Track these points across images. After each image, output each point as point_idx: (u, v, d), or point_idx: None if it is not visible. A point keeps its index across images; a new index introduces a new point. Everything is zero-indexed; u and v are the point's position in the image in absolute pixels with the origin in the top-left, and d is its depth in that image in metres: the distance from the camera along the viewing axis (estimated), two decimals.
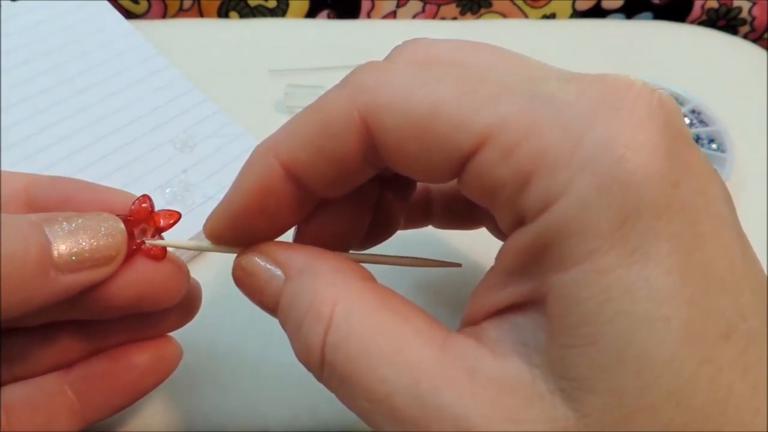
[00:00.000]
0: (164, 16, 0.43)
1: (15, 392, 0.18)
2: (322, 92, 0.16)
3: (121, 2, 0.41)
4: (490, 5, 0.46)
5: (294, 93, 0.36)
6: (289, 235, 0.18)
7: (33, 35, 0.34)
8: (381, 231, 0.20)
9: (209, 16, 0.43)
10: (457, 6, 0.46)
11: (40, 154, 0.29)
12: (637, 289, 0.11)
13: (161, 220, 0.19)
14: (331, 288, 0.15)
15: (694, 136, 0.35)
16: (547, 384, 0.12)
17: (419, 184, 0.22)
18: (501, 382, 0.13)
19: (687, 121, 0.36)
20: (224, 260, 0.29)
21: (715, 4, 0.46)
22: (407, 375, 0.13)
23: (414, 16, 0.46)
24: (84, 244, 0.16)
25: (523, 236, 0.13)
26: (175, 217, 0.19)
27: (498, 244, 0.15)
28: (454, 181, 0.15)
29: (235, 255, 0.18)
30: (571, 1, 0.46)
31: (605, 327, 0.12)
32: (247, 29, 0.40)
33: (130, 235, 0.18)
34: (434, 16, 0.46)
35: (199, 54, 0.38)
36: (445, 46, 0.16)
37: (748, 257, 0.13)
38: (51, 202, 0.19)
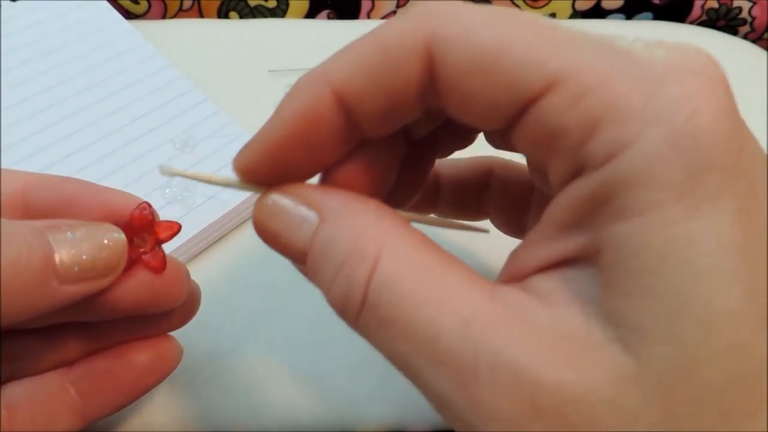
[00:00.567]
0: (164, 16, 0.43)
1: (17, 391, 0.18)
2: None
3: (121, 2, 0.41)
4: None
5: None
6: None
7: (33, 35, 0.34)
8: (399, 197, 0.20)
9: (209, 16, 0.43)
10: None
11: (40, 154, 0.29)
12: (703, 241, 0.12)
13: (162, 232, 0.19)
14: (375, 228, 0.14)
15: None
16: (605, 333, 0.12)
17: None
18: (556, 329, 0.13)
19: None
20: (224, 260, 0.29)
21: (715, 4, 0.46)
22: (456, 317, 0.13)
23: None
24: (86, 255, 0.16)
25: (582, 186, 0.13)
26: (175, 228, 0.19)
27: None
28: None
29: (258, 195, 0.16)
30: (571, 1, 0.46)
31: (668, 277, 0.12)
32: (247, 29, 0.40)
33: (130, 243, 0.18)
34: None
35: (199, 54, 0.38)
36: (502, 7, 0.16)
37: None
38: (50, 205, 0.19)
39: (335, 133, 0.15)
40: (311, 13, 0.44)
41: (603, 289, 0.13)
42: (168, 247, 0.19)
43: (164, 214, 0.28)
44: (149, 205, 0.19)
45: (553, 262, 0.14)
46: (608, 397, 0.12)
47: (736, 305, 0.12)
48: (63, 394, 0.19)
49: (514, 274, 0.15)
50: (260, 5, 0.43)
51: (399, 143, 0.18)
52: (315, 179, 0.17)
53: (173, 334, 0.21)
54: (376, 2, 0.45)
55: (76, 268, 0.16)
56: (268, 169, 0.16)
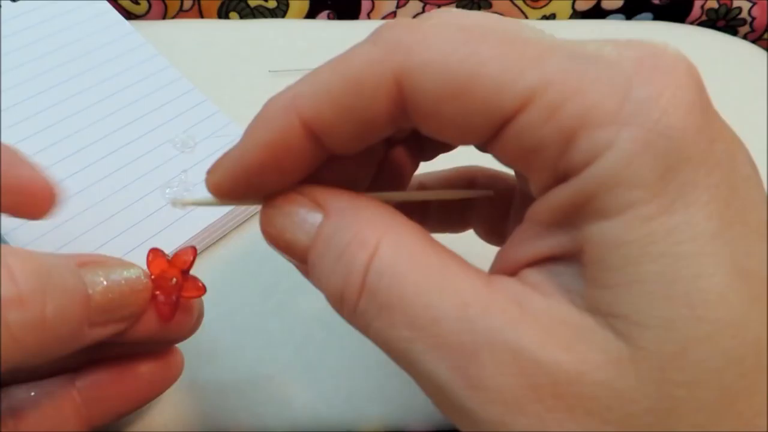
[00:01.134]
0: (164, 16, 0.43)
1: (23, 396, 0.19)
2: None
3: (121, 3, 0.41)
4: (489, 6, 0.46)
5: None
6: None
7: (33, 36, 0.34)
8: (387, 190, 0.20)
9: (209, 16, 0.43)
10: (457, 6, 0.46)
11: (40, 154, 0.29)
12: (680, 232, 0.12)
13: (188, 291, 0.19)
14: (377, 220, 0.15)
15: None
16: (597, 320, 0.13)
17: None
18: (551, 315, 0.13)
19: None
20: (224, 260, 0.29)
21: (715, 4, 0.46)
22: (456, 300, 0.13)
23: (414, 17, 0.46)
24: (117, 300, 0.17)
25: (563, 192, 0.13)
26: (201, 293, 0.19)
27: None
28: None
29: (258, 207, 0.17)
30: (571, 2, 0.46)
31: (650, 265, 0.12)
32: (247, 30, 0.40)
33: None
34: None
35: (199, 54, 0.38)
36: (474, 14, 0.16)
37: None
38: None
39: (306, 155, 0.15)
40: (311, 14, 0.44)
41: (588, 282, 0.13)
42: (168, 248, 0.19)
43: (164, 214, 0.28)
44: (194, 252, 0.19)
45: (539, 258, 0.14)
46: (605, 379, 0.12)
47: (722, 287, 0.12)
48: (69, 401, 0.19)
49: (503, 270, 0.15)
50: (260, 5, 0.43)
51: (375, 149, 0.18)
52: None
53: None
54: (376, 2, 0.45)
55: (106, 315, 0.17)
56: (241, 188, 0.16)
